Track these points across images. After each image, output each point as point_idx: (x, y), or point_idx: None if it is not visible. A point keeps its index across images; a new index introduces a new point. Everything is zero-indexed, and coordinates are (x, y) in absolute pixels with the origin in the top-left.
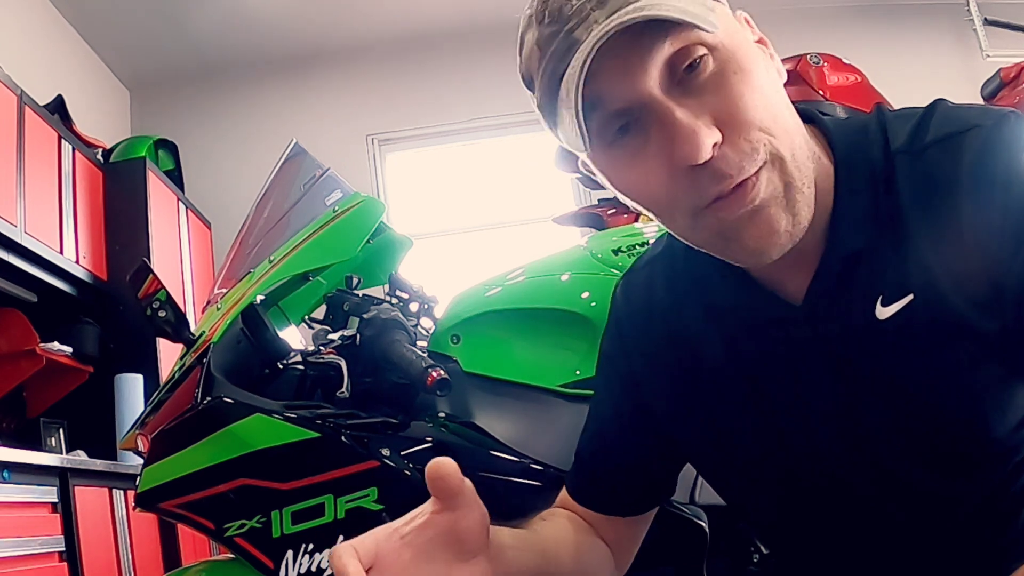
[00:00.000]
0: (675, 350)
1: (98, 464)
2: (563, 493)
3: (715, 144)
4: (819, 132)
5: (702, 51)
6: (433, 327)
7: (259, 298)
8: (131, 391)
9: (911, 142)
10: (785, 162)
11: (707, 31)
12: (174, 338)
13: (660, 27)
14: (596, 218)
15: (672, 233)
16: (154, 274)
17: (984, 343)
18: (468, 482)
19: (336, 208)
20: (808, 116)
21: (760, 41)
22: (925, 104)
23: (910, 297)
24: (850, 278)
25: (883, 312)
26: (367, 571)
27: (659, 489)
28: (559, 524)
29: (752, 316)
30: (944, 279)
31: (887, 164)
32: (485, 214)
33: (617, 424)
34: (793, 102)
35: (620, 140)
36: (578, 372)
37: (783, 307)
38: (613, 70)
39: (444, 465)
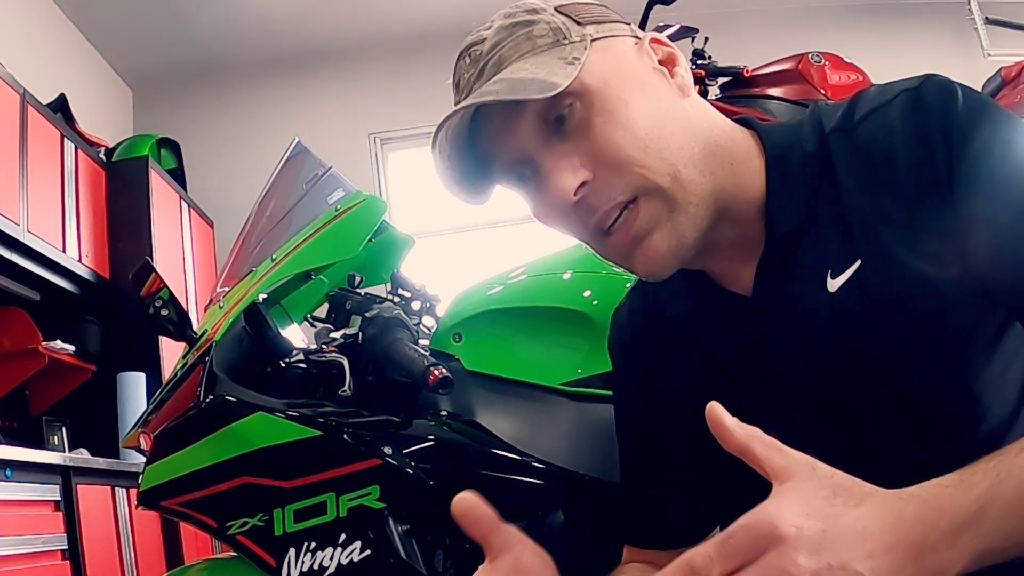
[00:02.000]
0: (667, 373)
1: (100, 462)
2: (625, 549)
3: (585, 183)
4: (755, 136)
5: (568, 100)
6: (435, 326)
7: (261, 297)
8: (133, 389)
9: (843, 121)
10: (663, 189)
11: (539, 100)
12: (176, 336)
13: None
14: None
15: None
16: (156, 273)
17: (943, 294)
18: (507, 525)
19: (338, 207)
20: (747, 124)
21: (667, 60)
22: None
23: (857, 263)
24: (793, 259)
25: (833, 284)
26: None
27: (709, 511)
28: None
29: (713, 316)
30: (891, 239)
31: (821, 147)
32: (487, 213)
33: (643, 460)
34: (795, 101)
35: (522, 183)
36: (580, 371)
37: (737, 300)
38: (493, 133)
39: (465, 499)
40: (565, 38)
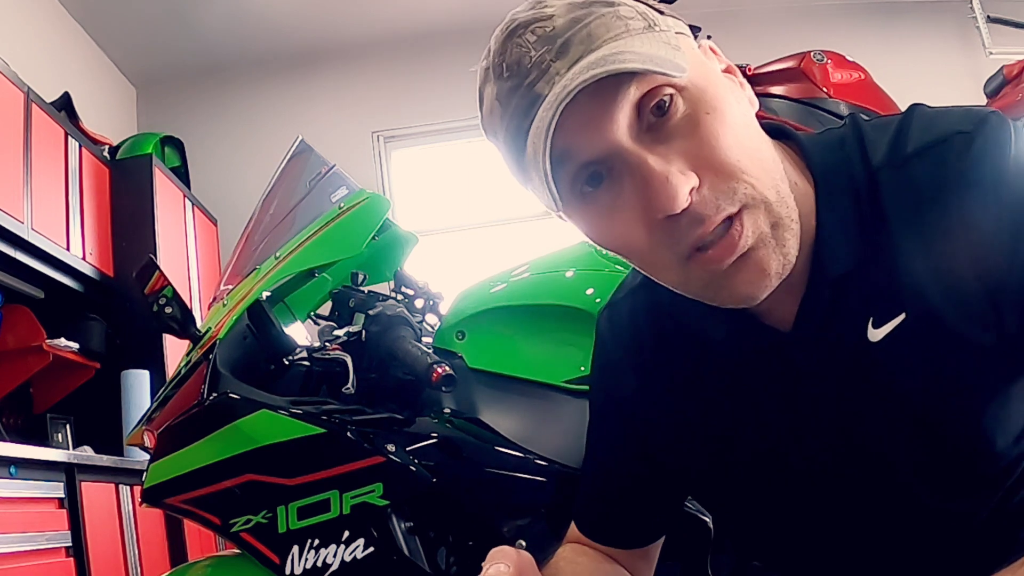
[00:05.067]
0: (666, 381)
1: (105, 460)
2: (572, 528)
3: (692, 189)
4: (794, 150)
5: (670, 91)
6: (438, 323)
7: (265, 294)
8: (137, 387)
9: (892, 155)
10: (770, 204)
11: (675, 76)
12: (180, 334)
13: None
14: None
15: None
16: (160, 270)
17: (980, 355)
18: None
19: (342, 205)
20: (783, 134)
21: (728, 70)
22: (931, 103)
23: (902, 317)
24: (839, 301)
25: (875, 334)
26: None
27: (667, 518)
28: (579, 564)
29: (742, 346)
30: (936, 294)
31: (869, 180)
32: (490, 211)
33: (615, 457)
34: (797, 99)
35: (593, 193)
36: (583, 368)
37: (772, 335)
38: (579, 122)
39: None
40: (656, 25)
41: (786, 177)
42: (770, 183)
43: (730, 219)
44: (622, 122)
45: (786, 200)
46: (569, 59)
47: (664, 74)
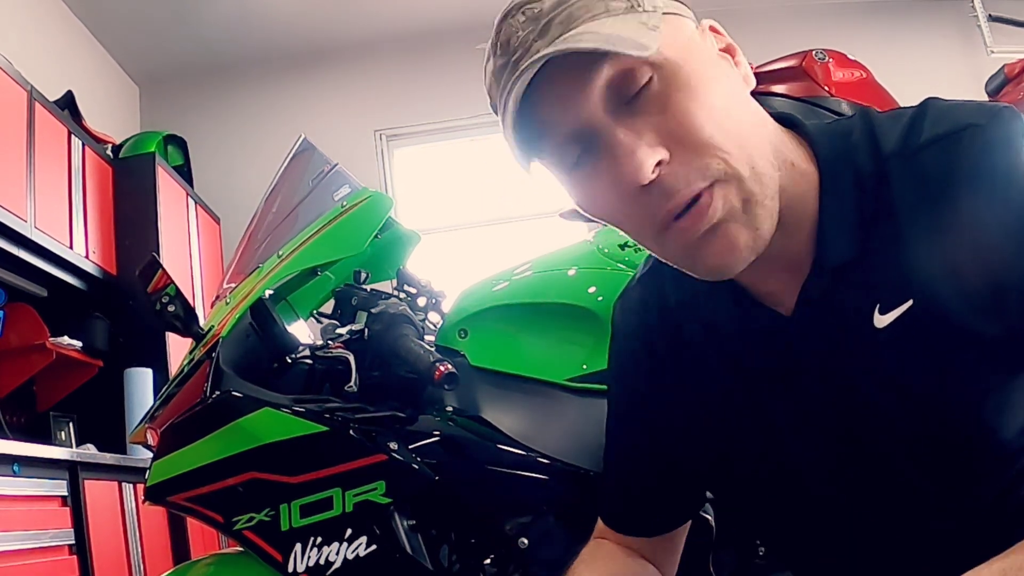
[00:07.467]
0: (677, 368)
1: (108, 458)
2: (599, 523)
3: (660, 162)
4: (800, 138)
5: (646, 72)
6: (441, 321)
7: (268, 293)
8: (140, 385)
9: (904, 144)
10: (743, 179)
11: (635, 57)
12: (183, 332)
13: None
14: None
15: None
16: (163, 269)
17: (985, 347)
18: None
19: (344, 203)
20: (789, 121)
21: (726, 49)
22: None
23: (909, 303)
24: (842, 287)
25: (881, 320)
26: None
27: (690, 504)
28: (603, 563)
29: (746, 329)
30: (943, 283)
31: (878, 168)
32: (492, 209)
33: (632, 444)
34: (799, 98)
35: (577, 163)
36: (585, 366)
37: (774, 318)
38: (555, 97)
39: None
40: (639, 5)
41: (773, 157)
42: (744, 159)
43: (701, 194)
44: (595, 98)
45: (761, 178)
46: (548, 39)
47: (621, 54)
